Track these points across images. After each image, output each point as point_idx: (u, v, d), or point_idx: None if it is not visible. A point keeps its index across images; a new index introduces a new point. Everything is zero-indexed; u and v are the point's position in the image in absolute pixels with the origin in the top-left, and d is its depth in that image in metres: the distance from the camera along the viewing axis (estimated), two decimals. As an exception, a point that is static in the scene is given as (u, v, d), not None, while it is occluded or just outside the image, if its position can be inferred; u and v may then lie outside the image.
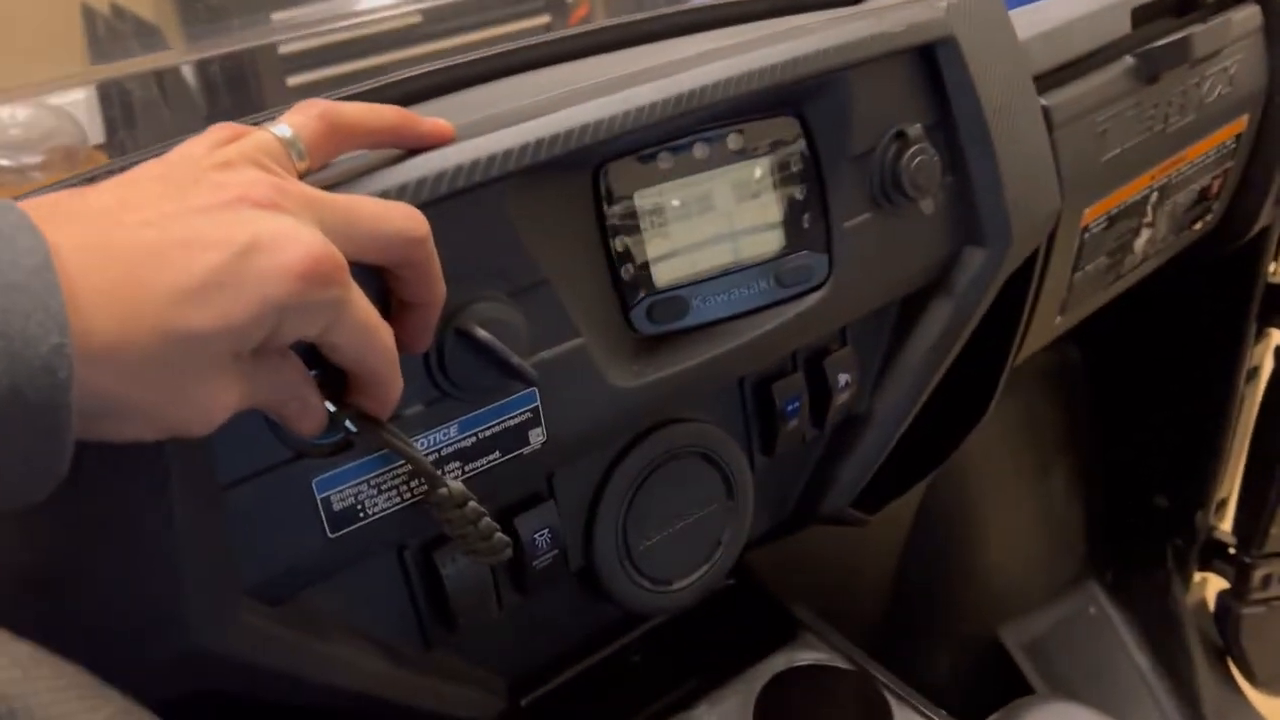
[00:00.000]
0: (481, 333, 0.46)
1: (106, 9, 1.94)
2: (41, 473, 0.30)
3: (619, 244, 0.54)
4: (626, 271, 0.55)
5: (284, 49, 1.86)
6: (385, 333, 0.39)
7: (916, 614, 1.17)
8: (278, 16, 1.61)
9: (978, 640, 1.23)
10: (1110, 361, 1.21)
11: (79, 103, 1.97)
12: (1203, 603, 1.28)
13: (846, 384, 0.65)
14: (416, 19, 1.89)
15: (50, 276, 0.29)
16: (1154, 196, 0.84)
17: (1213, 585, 1.27)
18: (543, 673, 0.66)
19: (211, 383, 0.33)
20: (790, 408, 0.63)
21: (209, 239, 0.33)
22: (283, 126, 0.40)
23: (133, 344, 0.31)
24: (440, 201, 0.45)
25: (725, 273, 0.57)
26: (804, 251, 0.59)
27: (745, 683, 0.66)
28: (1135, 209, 0.82)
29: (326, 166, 0.44)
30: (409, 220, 0.40)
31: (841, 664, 0.67)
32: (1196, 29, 0.77)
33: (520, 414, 0.50)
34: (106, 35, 1.94)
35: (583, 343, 0.51)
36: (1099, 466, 1.26)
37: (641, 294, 0.55)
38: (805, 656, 0.68)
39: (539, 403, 0.50)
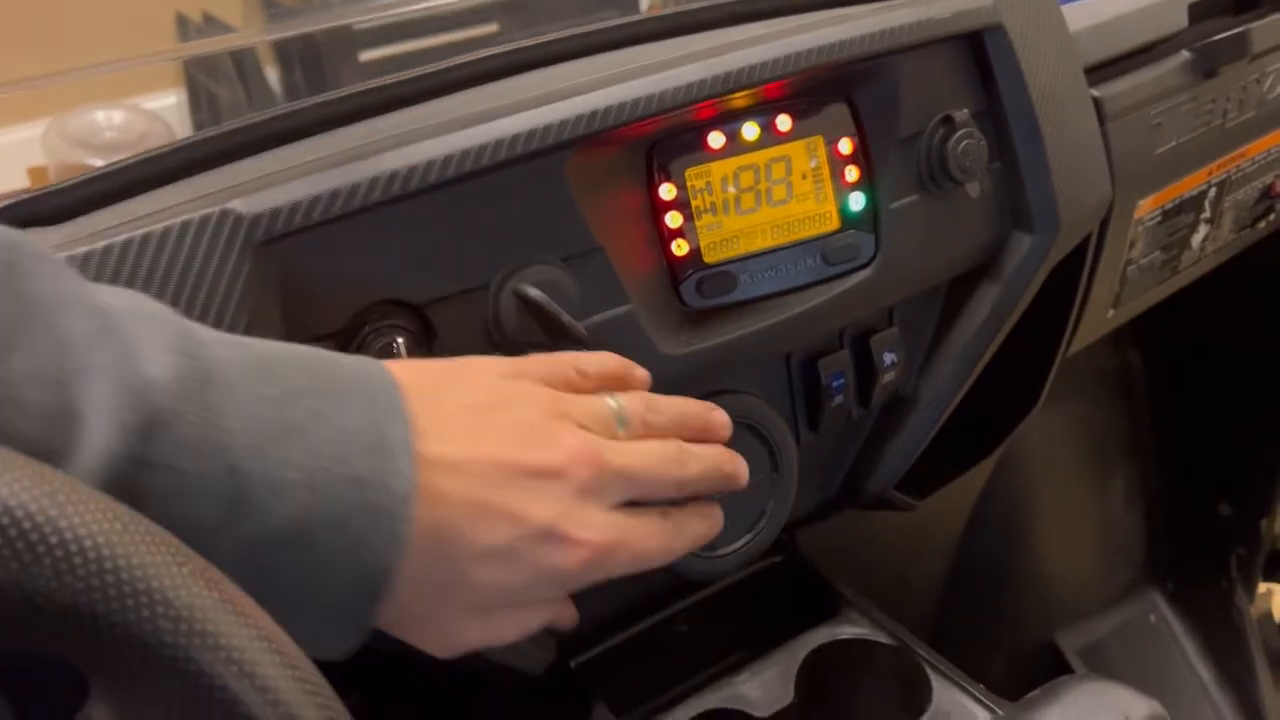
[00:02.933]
0: (535, 292, 0.49)
1: (199, 17, 2.03)
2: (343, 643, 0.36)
3: (670, 220, 0.57)
4: (677, 247, 0.57)
5: (359, 25, 1.91)
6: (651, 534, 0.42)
7: (971, 614, 1.17)
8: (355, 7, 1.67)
9: (1033, 643, 1.22)
10: (1173, 366, 1.21)
11: (170, 107, 2.06)
12: (1268, 614, 1.26)
13: (893, 363, 0.67)
14: (493, 28, 1.95)
15: (405, 515, 0.34)
16: (1212, 192, 0.84)
17: (1279, 597, 1.25)
18: (592, 636, 0.68)
19: (474, 621, 0.39)
20: (835, 384, 0.65)
21: (517, 512, 0.37)
22: (611, 401, 0.43)
23: (425, 582, 0.36)
24: (502, 167, 0.48)
25: (773, 250, 0.59)
26: (851, 230, 0.61)
27: (787, 654, 0.68)
28: (1192, 204, 0.83)
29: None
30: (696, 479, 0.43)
31: (884, 639, 0.69)
32: (1255, 24, 0.77)
33: (572, 374, 0.53)
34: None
35: (632, 309, 0.54)
36: (1160, 472, 1.25)
37: (691, 269, 0.57)
38: (848, 631, 0.69)
39: (589, 365, 0.53)
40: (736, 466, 0.46)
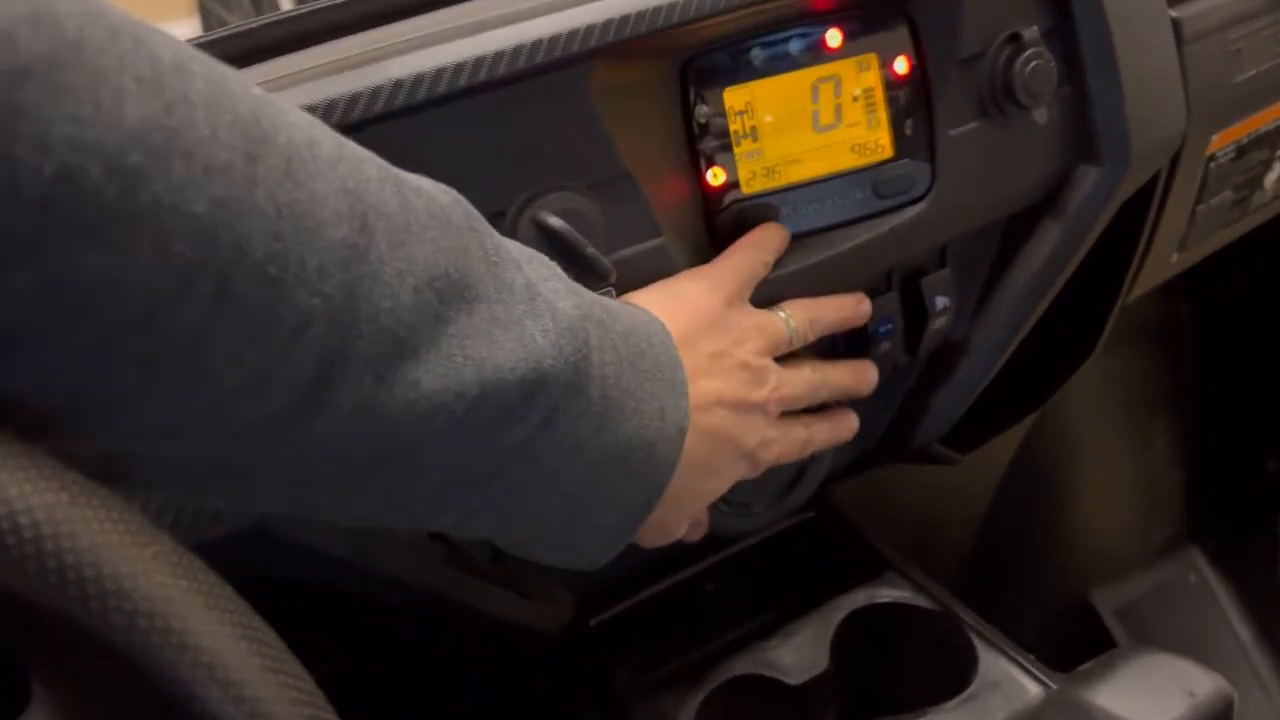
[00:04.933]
0: (556, 221, 0.44)
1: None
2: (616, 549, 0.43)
3: (706, 145, 0.51)
4: (713, 176, 0.52)
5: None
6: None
7: (1005, 569, 1.13)
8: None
9: (1068, 600, 1.18)
10: (1222, 318, 1.15)
11: (183, 36, 2.01)
12: (1314, 576, 1.21)
13: (944, 308, 0.62)
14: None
15: (681, 444, 0.41)
16: (1289, 128, 0.78)
17: (1326, 558, 1.20)
18: (612, 593, 0.64)
19: (682, 521, 0.49)
20: (883, 329, 0.60)
21: (737, 441, 0.47)
22: (785, 317, 0.52)
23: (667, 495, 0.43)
24: (521, 79, 0.42)
25: (819, 180, 0.54)
26: (905, 160, 0.55)
27: (823, 617, 0.64)
28: (1268, 140, 0.76)
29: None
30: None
31: (926, 604, 0.64)
32: (1348, -60, 0.70)
33: (596, 314, 0.48)
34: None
35: (663, 243, 0.49)
36: (1205, 426, 1.20)
37: (728, 200, 0.52)
38: (888, 594, 0.65)
39: (616, 303, 0.48)
40: (859, 383, 0.57)
